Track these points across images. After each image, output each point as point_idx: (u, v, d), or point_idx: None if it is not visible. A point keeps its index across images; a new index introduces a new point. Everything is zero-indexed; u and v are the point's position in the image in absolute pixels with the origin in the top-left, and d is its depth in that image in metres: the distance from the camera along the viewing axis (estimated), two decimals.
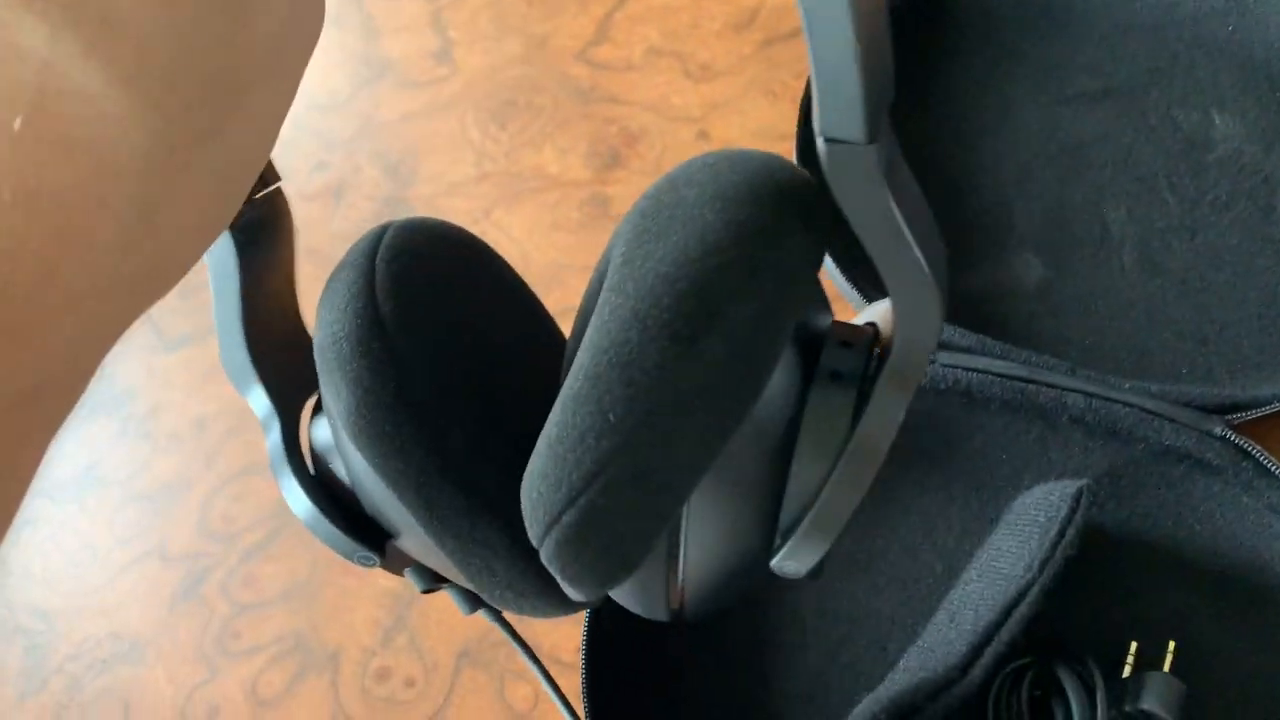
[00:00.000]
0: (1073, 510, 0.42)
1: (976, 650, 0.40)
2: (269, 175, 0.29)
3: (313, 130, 0.67)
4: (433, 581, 0.32)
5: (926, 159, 0.53)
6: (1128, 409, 0.44)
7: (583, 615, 0.44)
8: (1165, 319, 0.48)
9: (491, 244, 0.61)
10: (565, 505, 0.22)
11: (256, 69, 0.21)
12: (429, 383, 0.27)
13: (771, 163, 0.24)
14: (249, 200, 0.28)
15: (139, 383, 0.61)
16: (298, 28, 0.23)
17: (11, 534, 0.57)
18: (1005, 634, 0.40)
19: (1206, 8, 0.53)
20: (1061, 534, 0.41)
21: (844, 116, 0.20)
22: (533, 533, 0.24)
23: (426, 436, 0.26)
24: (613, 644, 0.44)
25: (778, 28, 0.65)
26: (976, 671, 0.40)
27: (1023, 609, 0.40)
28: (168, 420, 0.59)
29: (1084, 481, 0.42)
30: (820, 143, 0.20)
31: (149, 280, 0.22)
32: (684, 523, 0.25)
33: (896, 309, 0.23)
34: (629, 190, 0.61)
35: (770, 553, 0.26)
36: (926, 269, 0.22)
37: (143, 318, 0.68)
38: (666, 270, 0.22)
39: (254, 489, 0.55)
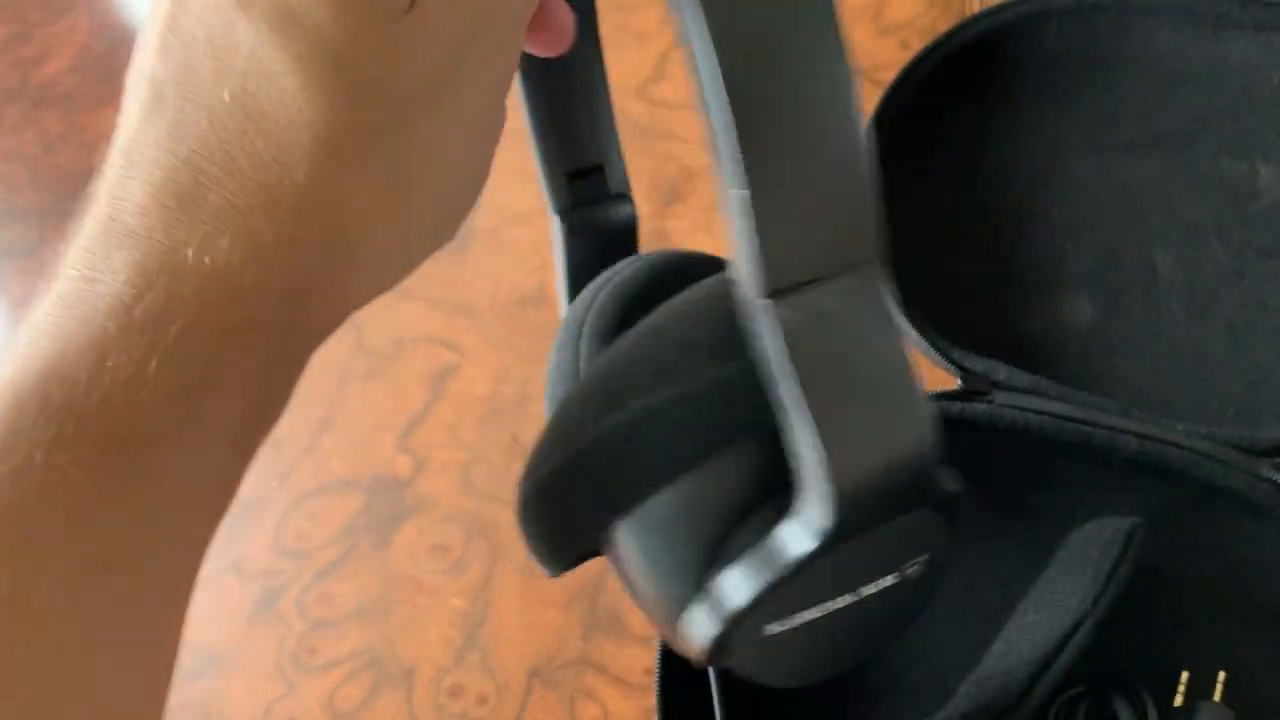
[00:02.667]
0: (1126, 546, 0.44)
1: (1033, 679, 0.42)
2: (615, 186, 0.37)
3: None
4: None
5: (983, 200, 0.55)
6: (1179, 450, 0.46)
7: (655, 638, 0.46)
8: (1213, 362, 0.50)
9: (553, 277, 0.63)
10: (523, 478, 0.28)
11: (425, 84, 0.25)
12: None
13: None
14: (578, 201, 0.37)
15: None
16: (479, 59, 0.25)
17: None
18: (1061, 664, 0.42)
19: (1253, 61, 0.55)
20: (1115, 569, 0.43)
21: (745, 267, 0.21)
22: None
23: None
24: (683, 667, 0.46)
25: None
26: (1033, 700, 0.42)
27: (1078, 640, 0.42)
28: None
29: (1137, 519, 0.44)
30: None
31: (328, 249, 0.25)
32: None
33: (796, 481, 0.24)
34: (688, 225, 0.63)
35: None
36: (820, 450, 0.22)
37: None
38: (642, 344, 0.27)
39: (328, 508, 0.57)
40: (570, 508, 0.28)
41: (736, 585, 0.25)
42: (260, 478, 0.59)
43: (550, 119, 0.35)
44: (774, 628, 0.26)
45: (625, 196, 0.38)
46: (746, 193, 0.20)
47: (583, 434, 0.26)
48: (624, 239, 0.39)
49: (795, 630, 0.26)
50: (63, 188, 0.76)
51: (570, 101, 0.35)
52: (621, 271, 0.35)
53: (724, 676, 0.45)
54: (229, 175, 0.23)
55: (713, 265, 0.35)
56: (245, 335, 0.24)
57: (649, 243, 0.64)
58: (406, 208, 0.26)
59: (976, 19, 0.59)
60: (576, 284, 0.37)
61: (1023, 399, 0.48)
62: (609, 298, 0.33)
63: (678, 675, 0.46)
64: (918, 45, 0.63)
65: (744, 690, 0.46)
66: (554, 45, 0.31)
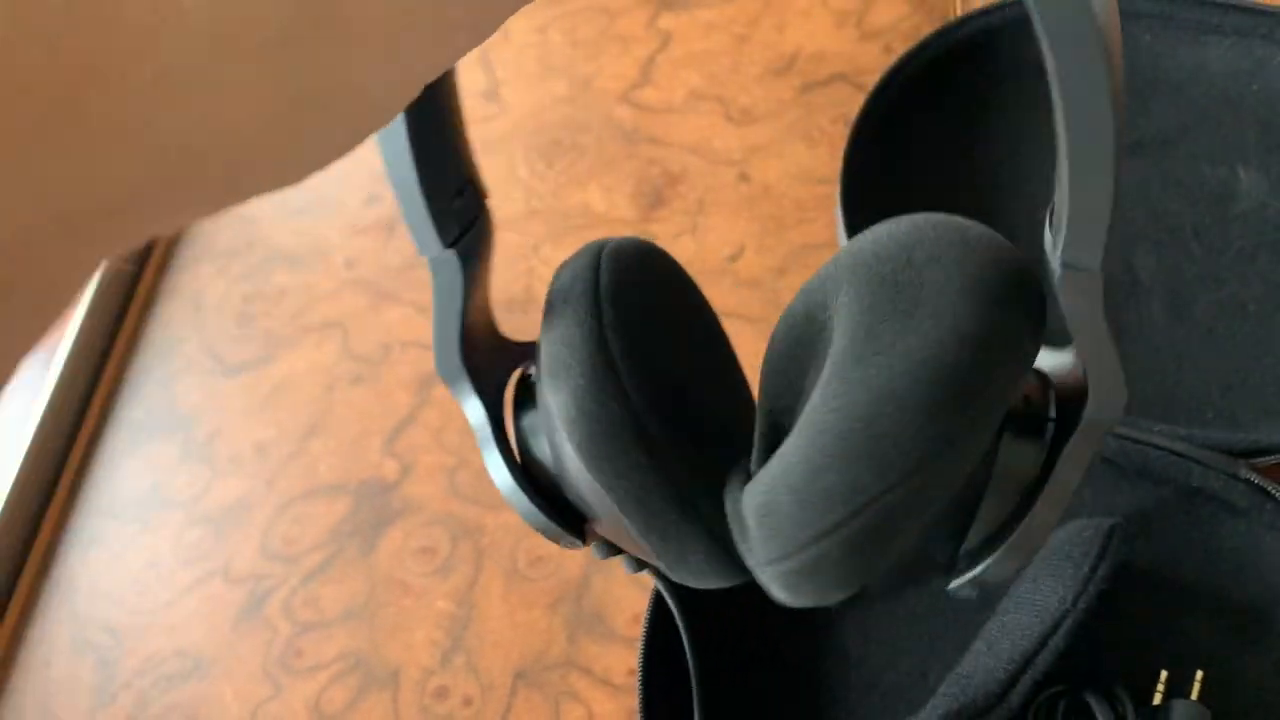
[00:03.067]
0: (1105, 547, 0.44)
1: (1013, 678, 0.42)
2: (478, 193, 0.33)
3: (365, 164, 0.69)
4: (611, 553, 0.36)
5: (965, 203, 0.56)
6: (1157, 451, 0.47)
7: (638, 639, 0.46)
8: (1192, 365, 0.51)
9: (539, 280, 0.63)
10: (810, 541, 0.26)
11: (384, 13, 0.18)
12: (649, 408, 0.30)
13: (1002, 253, 0.28)
14: (464, 225, 0.32)
15: (199, 407, 0.63)
16: (464, 8, 0.20)
17: (79, 552, 0.60)
18: (1040, 663, 0.42)
19: (1233, 67, 0.55)
20: (1094, 569, 0.43)
21: (1089, 248, 0.24)
22: (770, 550, 0.27)
23: (646, 457, 0.30)
24: (665, 667, 0.46)
25: (815, 74, 0.67)
26: (1013, 699, 0.42)
27: (1057, 640, 0.43)
28: (228, 444, 0.61)
29: (1116, 519, 0.45)
30: (1057, 267, 0.24)
31: (177, 167, 0.18)
32: None
33: (1092, 389, 0.27)
34: (672, 229, 0.63)
35: (948, 575, 0.30)
36: (1119, 369, 0.27)
37: (201, 345, 0.71)
38: (922, 357, 0.25)
39: (314, 512, 0.58)
40: (896, 541, 0.27)
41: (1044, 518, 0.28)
42: (247, 483, 0.60)
43: (436, 135, 0.30)
44: None
45: (485, 203, 0.34)
46: (1109, 189, 0.23)
47: (934, 471, 0.26)
48: (489, 242, 0.34)
49: None
50: None
51: (444, 108, 0.30)
52: (607, 270, 0.33)
53: (705, 676, 0.45)
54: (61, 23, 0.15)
55: (663, 254, 0.35)
56: (30, 253, 0.17)
57: None
58: (282, 142, 0.19)
59: (959, 24, 0.59)
60: (471, 311, 0.33)
61: None
62: (621, 313, 0.31)
63: (660, 676, 0.46)
64: (900, 50, 0.64)
65: (725, 690, 0.46)
66: None
